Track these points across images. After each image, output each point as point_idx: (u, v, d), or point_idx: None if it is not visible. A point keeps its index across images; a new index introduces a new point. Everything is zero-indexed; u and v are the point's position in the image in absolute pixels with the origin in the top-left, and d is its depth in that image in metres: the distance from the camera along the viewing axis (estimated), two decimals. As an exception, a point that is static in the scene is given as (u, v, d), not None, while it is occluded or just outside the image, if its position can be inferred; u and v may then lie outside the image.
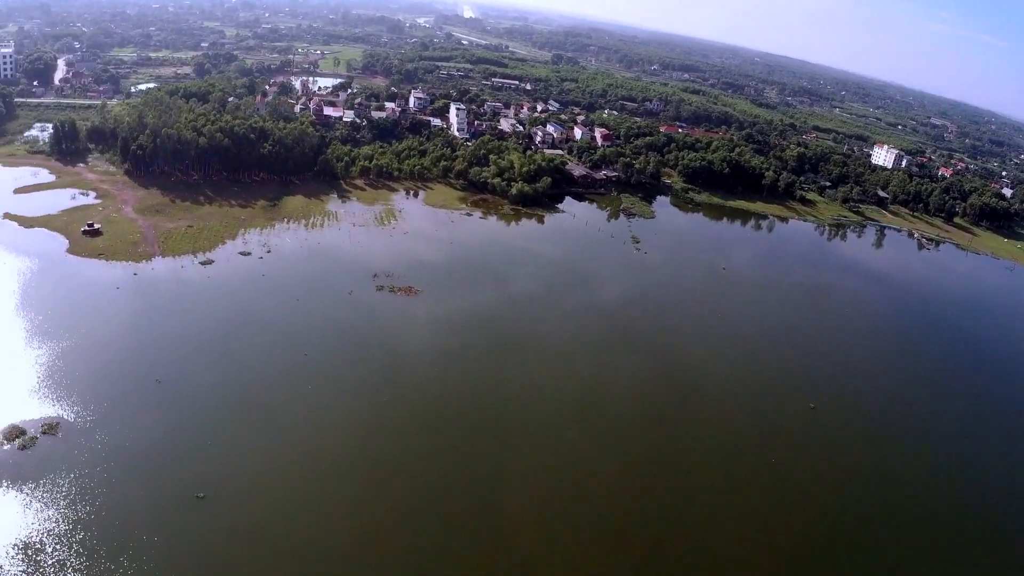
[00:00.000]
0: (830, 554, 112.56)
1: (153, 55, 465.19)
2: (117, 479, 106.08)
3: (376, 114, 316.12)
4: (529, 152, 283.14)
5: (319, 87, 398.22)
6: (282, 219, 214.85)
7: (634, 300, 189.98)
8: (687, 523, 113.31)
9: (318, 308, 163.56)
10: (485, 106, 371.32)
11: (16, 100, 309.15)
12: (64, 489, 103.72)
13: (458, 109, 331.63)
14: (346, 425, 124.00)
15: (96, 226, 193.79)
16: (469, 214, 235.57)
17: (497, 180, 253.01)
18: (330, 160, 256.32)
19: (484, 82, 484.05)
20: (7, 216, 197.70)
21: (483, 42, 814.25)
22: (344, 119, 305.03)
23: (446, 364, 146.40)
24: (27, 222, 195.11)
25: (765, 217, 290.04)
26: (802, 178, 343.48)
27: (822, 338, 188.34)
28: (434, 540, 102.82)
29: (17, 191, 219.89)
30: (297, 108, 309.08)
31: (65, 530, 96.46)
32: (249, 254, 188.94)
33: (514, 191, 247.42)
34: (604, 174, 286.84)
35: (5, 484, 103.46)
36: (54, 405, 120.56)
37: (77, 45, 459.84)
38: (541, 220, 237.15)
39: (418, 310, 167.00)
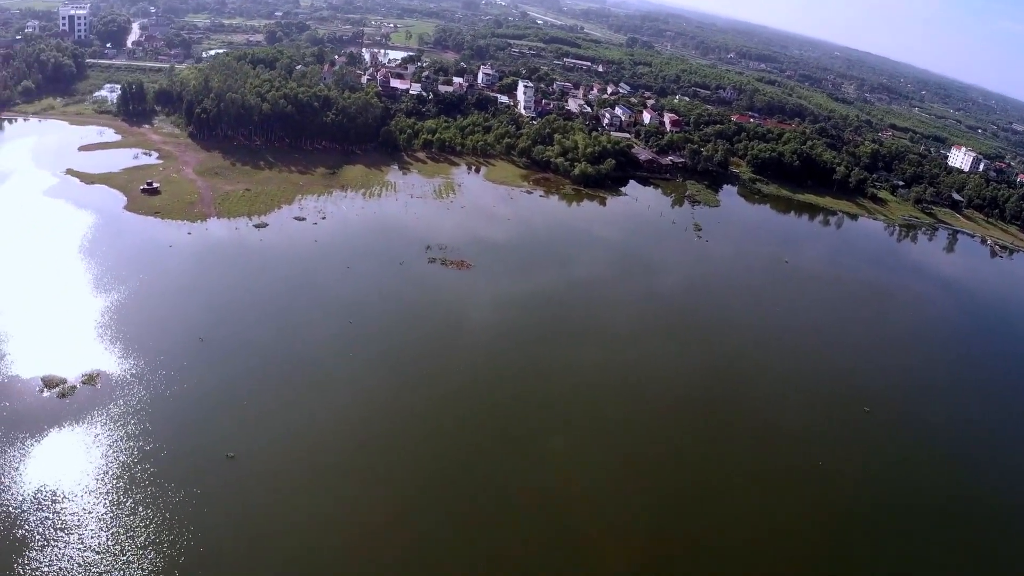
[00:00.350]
0: (874, 564, 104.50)
1: (226, 22, 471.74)
2: (150, 433, 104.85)
3: (443, 88, 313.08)
4: (594, 133, 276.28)
5: (388, 59, 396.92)
6: (340, 187, 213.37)
7: (690, 288, 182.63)
8: (724, 521, 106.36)
9: (367, 277, 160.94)
10: (554, 85, 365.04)
11: (88, 61, 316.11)
12: (96, 440, 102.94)
13: (526, 87, 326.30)
14: (384, 395, 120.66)
15: (155, 185, 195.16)
16: (529, 192, 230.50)
17: (560, 160, 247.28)
18: (393, 132, 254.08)
19: (556, 62, 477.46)
20: (69, 172, 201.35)
21: (558, 23, 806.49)
22: (411, 92, 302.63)
23: (493, 341, 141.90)
24: (88, 179, 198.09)
25: (834, 213, 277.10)
26: (875, 175, 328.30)
27: (883, 340, 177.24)
28: (465, 519, 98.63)
29: (82, 148, 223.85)
30: (364, 79, 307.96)
31: (92, 481, 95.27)
32: (304, 219, 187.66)
33: (577, 171, 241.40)
34: (670, 159, 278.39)
35: (40, 431, 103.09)
36: (97, 357, 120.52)
37: (152, 10, 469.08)
38: (603, 202, 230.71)
39: (469, 285, 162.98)
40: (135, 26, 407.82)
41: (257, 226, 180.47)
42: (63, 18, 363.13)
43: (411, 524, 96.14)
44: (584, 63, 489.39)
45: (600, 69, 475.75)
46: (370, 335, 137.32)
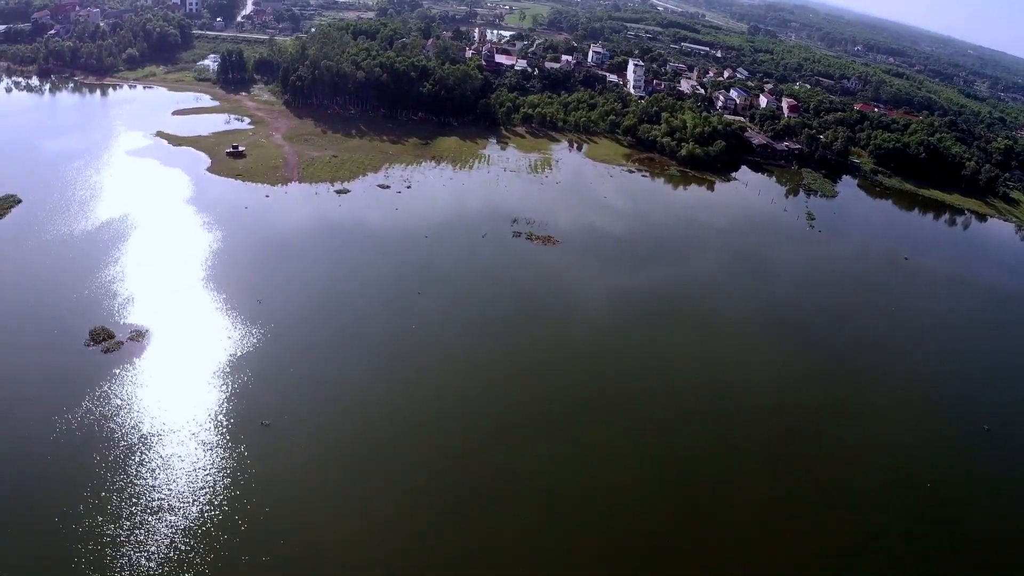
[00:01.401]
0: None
1: (340, 0, 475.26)
2: (187, 395, 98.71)
3: (550, 65, 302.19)
4: (704, 114, 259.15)
5: (497, 36, 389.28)
6: (431, 158, 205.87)
7: (798, 280, 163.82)
8: (829, 543, 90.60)
9: (445, 248, 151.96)
10: (667, 66, 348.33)
11: (194, 32, 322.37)
12: (130, 399, 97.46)
13: (636, 65, 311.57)
14: (440, 372, 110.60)
15: (240, 148, 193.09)
16: (631, 171, 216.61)
17: (667, 139, 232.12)
18: (492, 104, 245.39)
19: (672, 46, 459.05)
20: (159, 134, 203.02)
21: (678, 9, 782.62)
22: (515, 67, 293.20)
23: (569, 322, 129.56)
24: (176, 140, 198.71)
25: (961, 212, 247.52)
26: (1007, 174, 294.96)
27: (1011, 350, 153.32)
28: (515, 512, 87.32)
29: (175, 113, 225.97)
30: (468, 53, 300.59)
31: (124, 444, 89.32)
32: (388, 187, 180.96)
33: (683, 152, 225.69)
34: (786, 145, 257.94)
35: (76, 385, 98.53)
36: (149, 314, 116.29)
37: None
38: (710, 186, 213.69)
39: (552, 261, 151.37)
40: (249, 2, 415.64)
41: (338, 192, 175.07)
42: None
43: (449, 509, 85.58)
44: (702, 48, 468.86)
45: (718, 55, 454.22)
46: (437, 308, 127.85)
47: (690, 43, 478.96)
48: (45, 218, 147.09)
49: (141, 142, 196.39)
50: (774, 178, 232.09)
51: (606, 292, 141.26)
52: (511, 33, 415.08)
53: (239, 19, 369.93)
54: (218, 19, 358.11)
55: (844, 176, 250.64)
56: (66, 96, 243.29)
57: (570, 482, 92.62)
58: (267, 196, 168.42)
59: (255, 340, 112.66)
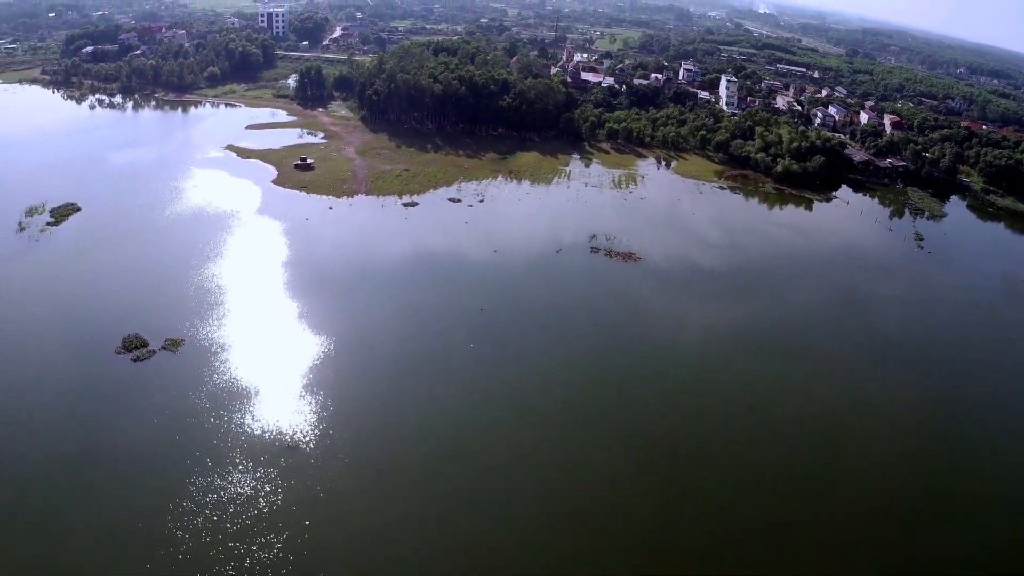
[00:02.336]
0: None
1: (428, 26, 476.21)
2: (207, 410, 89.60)
3: (638, 82, 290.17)
4: (802, 128, 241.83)
5: (586, 57, 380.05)
6: (507, 172, 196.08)
7: (908, 302, 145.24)
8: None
9: (514, 263, 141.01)
10: (762, 84, 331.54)
11: (278, 53, 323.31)
12: (148, 411, 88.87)
13: (729, 81, 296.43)
14: (492, 399, 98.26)
15: (309, 161, 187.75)
16: (722, 188, 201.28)
17: (761, 155, 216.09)
18: (575, 119, 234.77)
19: (767, 67, 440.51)
20: (229, 147, 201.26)
21: (773, 34, 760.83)
22: (602, 84, 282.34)
23: (649, 345, 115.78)
24: (245, 153, 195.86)
25: None
26: None
27: None
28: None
29: (249, 127, 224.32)
30: (553, 70, 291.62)
31: (123, 463, 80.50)
32: (459, 201, 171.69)
33: (779, 168, 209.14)
34: (889, 163, 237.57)
35: (97, 395, 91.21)
36: (188, 323, 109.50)
37: (359, 15, 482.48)
38: (808, 205, 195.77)
39: (633, 280, 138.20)
40: (338, 28, 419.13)
41: (406, 204, 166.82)
42: (261, 15, 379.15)
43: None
44: (798, 69, 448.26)
45: (815, 75, 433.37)
46: (499, 325, 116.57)
47: (786, 64, 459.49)
48: (101, 225, 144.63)
49: (210, 155, 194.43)
50: (877, 198, 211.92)
51: (691, 314, 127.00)
52: (600, 54, 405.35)
53: (325, 42, 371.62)
54: (303, 42, 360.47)
55: (952, 196, 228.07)
56: (144, 112, 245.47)
57: (663, 526, 78.70)
58: (330, 208, 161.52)
59: (295, 354, 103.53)
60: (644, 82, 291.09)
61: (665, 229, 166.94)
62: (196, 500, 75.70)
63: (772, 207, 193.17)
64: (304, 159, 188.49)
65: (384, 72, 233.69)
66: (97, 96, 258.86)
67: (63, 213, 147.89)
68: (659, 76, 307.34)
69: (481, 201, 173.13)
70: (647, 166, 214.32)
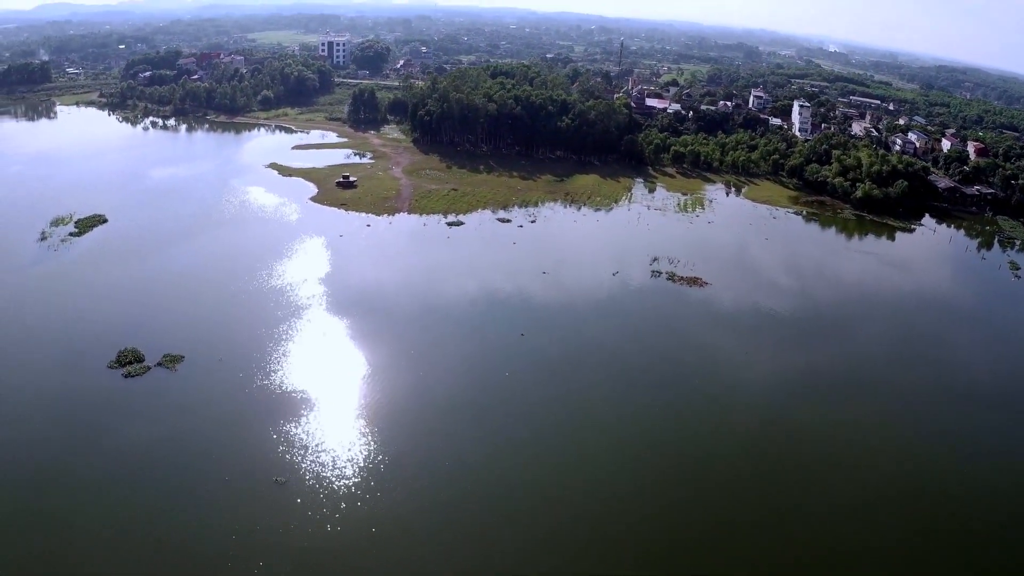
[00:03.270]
0: None
1: (493, 60, 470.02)
2: (185, 433, 77.45)
3: (705, 108, 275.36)
4: (882, 152, 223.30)
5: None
6: (564, 194, 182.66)
7: (1002, 336, 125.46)
8: None
9: (564, 285, 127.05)
10: (836, 111, 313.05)
11: (336, 80, 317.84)
12: (118, 433, 77.26)
13: (801, 106, 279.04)
14: (528, 435, 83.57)
15: (352, 179, 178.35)
16: (797, 213, 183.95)
17: (839, 180, 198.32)
18: (639, 142, 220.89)
19: (840, 99, 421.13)
20: (271, 166, 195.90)
21: (844, 71, 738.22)
22: (667, 111, 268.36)
23: (715, 379, 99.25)
24: (286, 171, 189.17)
25: None
26: None
27: None
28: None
29: (295, 148, 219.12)
30: (616, 96, 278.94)
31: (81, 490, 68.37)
32: (508, 221, 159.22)
33: (859, 193, 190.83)
34: (977, 189, 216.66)
35: (71, 412, 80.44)
36: (191, 339, 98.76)
37: (424, 50, 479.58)
38: (891, 234, 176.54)
39: (696, 306, 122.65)
40: (400, 60, 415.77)
41: (450, 223, 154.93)
42: (322, 44, 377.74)
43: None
44: (873, 101, 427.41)
45: (890, 107, 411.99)
46: (541, 351, 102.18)
47: (859, 96, 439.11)
48: (123, 237, 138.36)
49: (250, 172, 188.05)
50: (963, 228, 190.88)
51: (762, 348, 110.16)
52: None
53: (386, 72, 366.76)
54: (363, 71, 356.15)
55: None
56: (191, 132, 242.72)
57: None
58: (368, 225, 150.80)
59: (308, 379, 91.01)
60: (712, 108, 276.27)
61: (735, 254, 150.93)
62: (143, 532, 63.06)
63: (852, 234, 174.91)
64: (347, 177, 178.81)
65: (437, 92, 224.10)
66: (150, 119, 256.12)
67: (88, 224, 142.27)
68: (727, 103, 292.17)
69: (532, 222, 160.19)
70: (715, 191, 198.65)
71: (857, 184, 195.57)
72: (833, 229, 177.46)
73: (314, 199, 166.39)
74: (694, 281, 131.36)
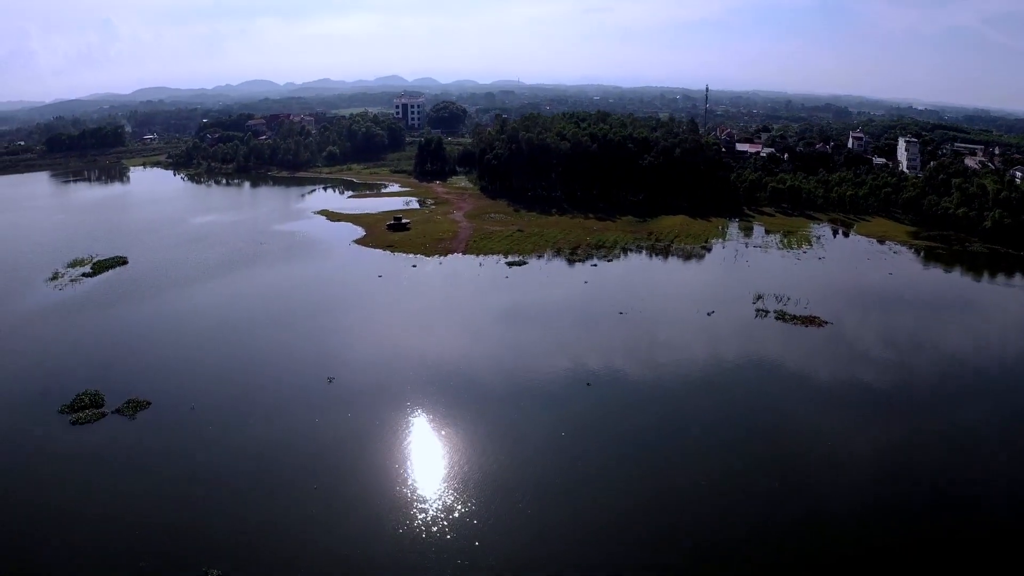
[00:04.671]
0: None
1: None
2: (105, 501, 55.88)
3: (802, 149, 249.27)
4: (1008, 177, 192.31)
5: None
6: (647, 234, 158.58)
7: None
8: None
9: (645, 326, 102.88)
10: (944, 148, 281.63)
11: (408, 139, 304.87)
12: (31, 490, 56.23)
13: (908, 142, 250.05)
14: (590, 515, 58.90)
15: (405, 222, 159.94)
16: (919, 250, 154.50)
17: (962, 210, 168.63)
18: (731, 181, 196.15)
19: (942, 145, 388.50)
20: (320, 212, 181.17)
21: (941, 123, 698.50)
22: (760, 154, 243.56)
23: (837, 454, 71.92)
24: (335, 217, 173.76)
25: None
26: None
27: None
28: None
29: (351, 196, 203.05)
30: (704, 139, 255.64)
31: None
32: (580, 261, 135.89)
33: (988, 223, 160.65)
34: None
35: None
36: (165, 387, 79.54)
37: (505, 116, 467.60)
38: None
39: (817, 348, 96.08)
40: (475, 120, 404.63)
41: (510, 263, 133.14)
42: (397, 107, 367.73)
43: None
44: (976, 147, 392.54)
45: (996, 151, 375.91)
46: (608, 405, 77.72)
47: (961, 143, 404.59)
48: (136, 279, 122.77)
49: (296, 219, 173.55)
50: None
51: (916, 407, 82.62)
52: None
53: (461, 132, 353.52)
54: (437, 130, 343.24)
55: None
56: (248, 186, 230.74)
57: None
58: (414, 266, 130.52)
59: (299, 431, 69.21)
60: (809, 149, 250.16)
61: (856, 291, 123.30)
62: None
63: (988, 269, 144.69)
64: (399, 219, 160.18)
65: (506, 133, 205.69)
66: (214, 177, 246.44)
67: (105, 266, 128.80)
68: (825, 145, 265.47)
69: (608, 260, 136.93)
70: (821, 229, 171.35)
71: (985, 214, 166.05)
72: (964, 263, 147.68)
73: (358, 241, 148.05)
74: (810, 320, 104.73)
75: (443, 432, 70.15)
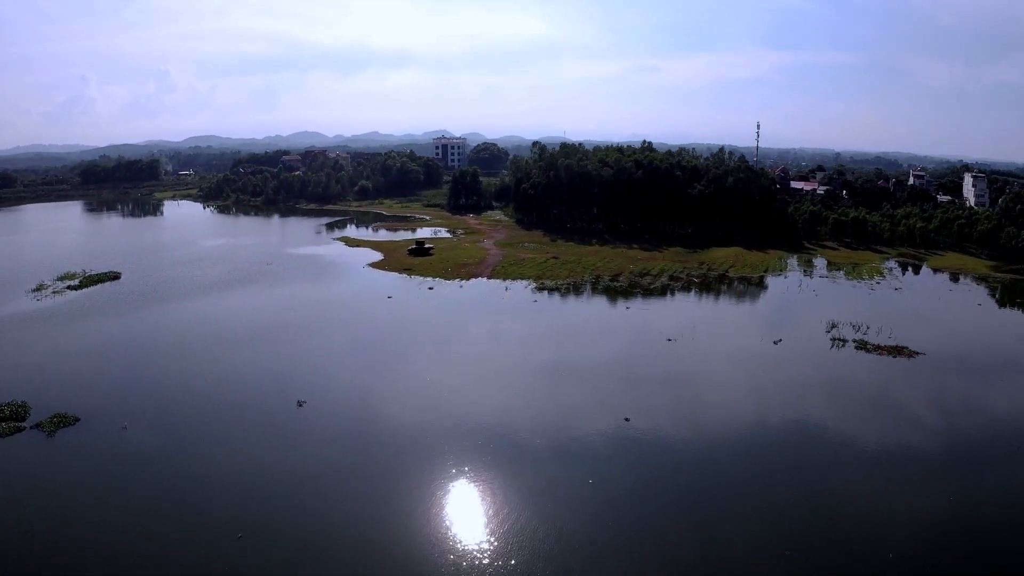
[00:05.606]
0: None
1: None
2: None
3: (861, 186, 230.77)
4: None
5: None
6: (697, 264, 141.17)
7: None
8: None
9: (697, 355, 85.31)
10: (1012, 184, 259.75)
11: (446, 177, 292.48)
12: None
13: (976, 177, 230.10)
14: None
15: (427, 246, 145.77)
16: (1002, 284, 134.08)
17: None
18: (788, 213, 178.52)
19: (1008, 184, 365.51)
20: (340, 239, 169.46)
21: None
22: (817, 191, 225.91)
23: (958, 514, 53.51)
24: (354, 243, 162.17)
25: None
26: None
27: None
28: None
29: (376, 225, 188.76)
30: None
31: None
32: (620, 285, 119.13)
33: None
34: None
35: None
36: (105, 404, 65.84)
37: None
38: None
39: (914, 381, 77.64)
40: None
41: (540, 288, 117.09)
42: (437, 147, 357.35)
43: None
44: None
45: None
46: (642, 441, 60.43)
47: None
48: (122, 293, 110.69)
49: (312, 244, 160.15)
50: None
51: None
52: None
53: (500, 172, 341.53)
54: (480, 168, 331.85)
55: None
56: (272, 216, 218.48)
57: None
58: (430, 288, 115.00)
59: (243, 462, 53.31)
60: (869, 184, 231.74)
61: (946, 321, 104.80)
62: None
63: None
64: (421, 243, 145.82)
65: (543, 161, 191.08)
66: (241, 207, 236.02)
67: (95, 280, 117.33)
68: (886, 182, 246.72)
69: (655, 287, 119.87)
70: (889, 264, 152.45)
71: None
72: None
73: (374, 264, 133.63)
74: (898, 350, 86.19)
75: (440, 482, 53.47)
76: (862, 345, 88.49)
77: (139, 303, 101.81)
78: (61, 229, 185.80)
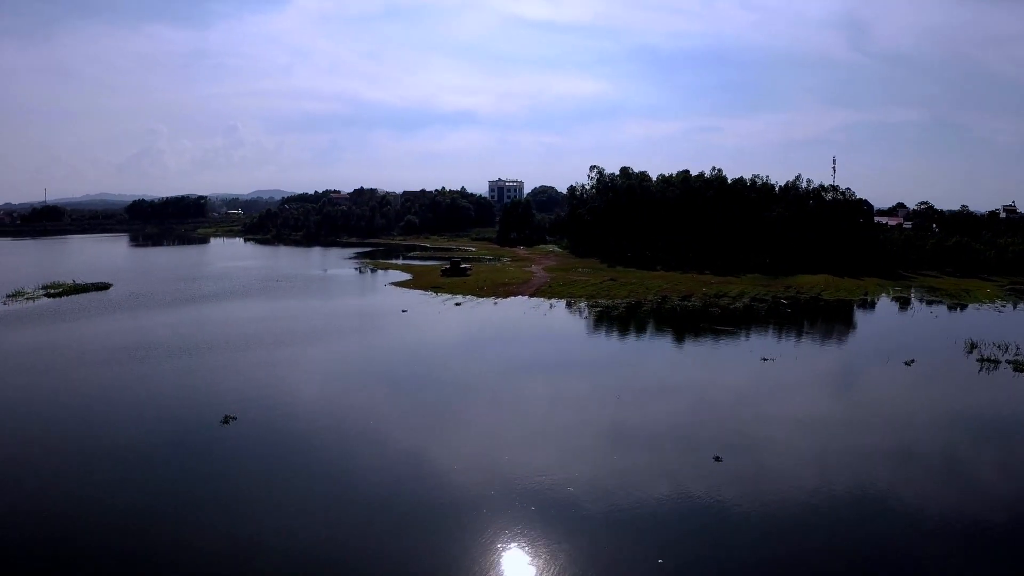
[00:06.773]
0: None
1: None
2: None
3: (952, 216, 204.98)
4: None
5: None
6: (782, 287, 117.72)
7: None
8: None
9: (798, 380, 63.84)
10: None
11: (498, 217, 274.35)
12: None
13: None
14: None
15: (464, 267, 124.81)
16: None
17: None
18: (882, 241, 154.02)
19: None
20: (367, 262, 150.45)
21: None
22: (903, 225, 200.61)
23: None
24: (380, 265, 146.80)
25: None
26: None
27: None
28: None
29: (414, 255, 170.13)
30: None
31: None
32: (694, 305, 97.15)
33: None
34: None
35: None
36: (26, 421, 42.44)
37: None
38: None
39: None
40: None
41: (591, 305, 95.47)
42: (492, 189, 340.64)
43: None
44: None
45: None
46: (750, 498, 38.60)
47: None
48: (102, 302, 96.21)
49: (336, 267, 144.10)
50: None
51: None
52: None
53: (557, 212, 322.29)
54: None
55: None
56: (309, 248, 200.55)
57: None
58: (457, 304, 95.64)
59: (137, 496, 33.14)
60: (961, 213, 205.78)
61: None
62: None
63: None
64: (457, 263, 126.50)
65: (601, 184, 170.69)
66: (282, 241, 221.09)
67: (79, 289, 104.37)
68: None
69: (729, 306, 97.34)
70: (1005, 289, 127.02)
71: None
72: None
73: (398, 283, 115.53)
74: (1043, 371, 62.35)
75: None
76: (1021, 367, 64.81)
77: (107, 311, 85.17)
78: (77, 250, 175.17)
